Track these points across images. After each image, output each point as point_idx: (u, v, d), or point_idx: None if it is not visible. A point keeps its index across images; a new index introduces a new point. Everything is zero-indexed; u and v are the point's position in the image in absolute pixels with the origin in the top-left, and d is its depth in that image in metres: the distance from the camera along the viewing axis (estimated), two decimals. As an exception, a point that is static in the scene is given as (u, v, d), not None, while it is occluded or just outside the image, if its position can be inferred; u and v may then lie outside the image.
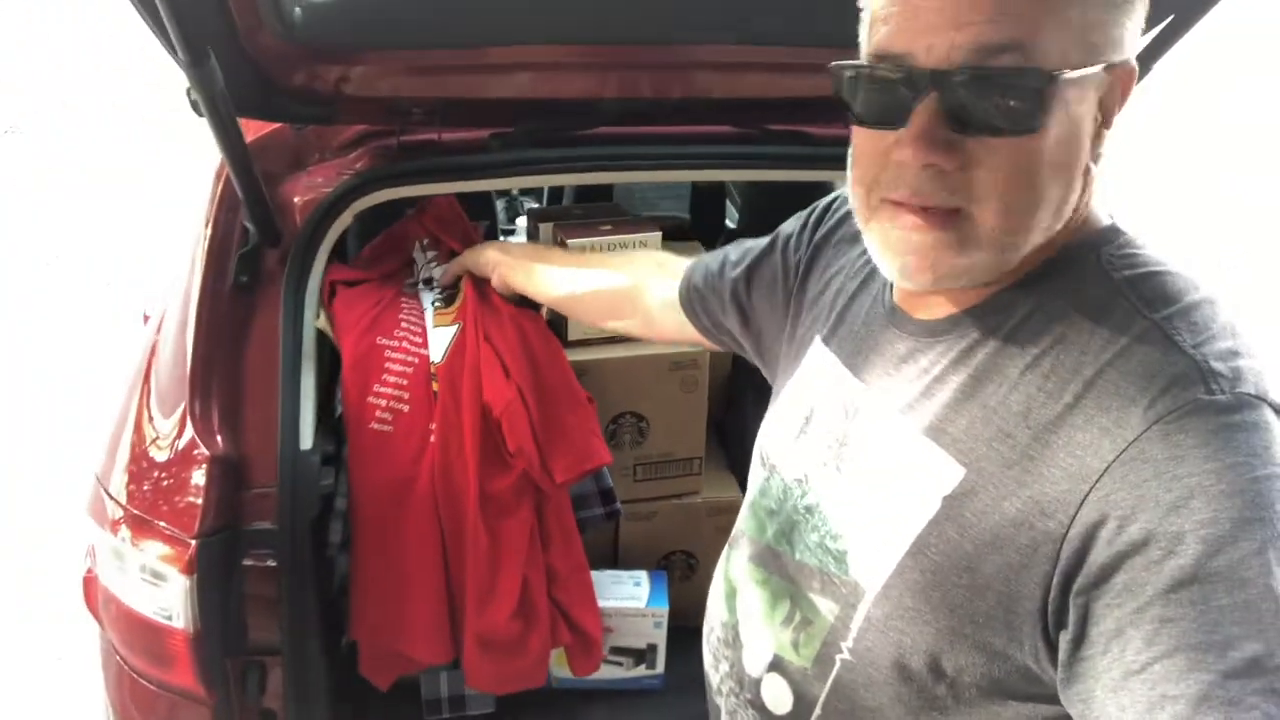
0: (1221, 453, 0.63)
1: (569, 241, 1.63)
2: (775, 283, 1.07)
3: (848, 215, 0.98)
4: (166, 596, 1.31)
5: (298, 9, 1.31)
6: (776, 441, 0.96)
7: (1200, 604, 0.61)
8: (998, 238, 0.71)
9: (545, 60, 1.54)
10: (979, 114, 0.67)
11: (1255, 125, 6.39)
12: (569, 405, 1.51)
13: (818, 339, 0.94)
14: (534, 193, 2.99)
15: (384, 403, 1.47)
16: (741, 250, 1.15)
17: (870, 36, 0.73)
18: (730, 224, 2.67)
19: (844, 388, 0.87)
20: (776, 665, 0.88)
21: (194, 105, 1.25)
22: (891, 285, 0.87)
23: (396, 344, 1.51)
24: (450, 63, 1.50)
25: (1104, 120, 0.72)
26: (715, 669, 1.00)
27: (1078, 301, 0.72)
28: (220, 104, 1.23)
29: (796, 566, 0.87)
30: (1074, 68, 0.67)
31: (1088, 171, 0.72)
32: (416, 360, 1.49)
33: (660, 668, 1.74)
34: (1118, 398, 0.67)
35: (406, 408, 1.47)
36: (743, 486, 1.22)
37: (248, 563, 1.37)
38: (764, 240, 1.12)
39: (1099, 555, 0.65)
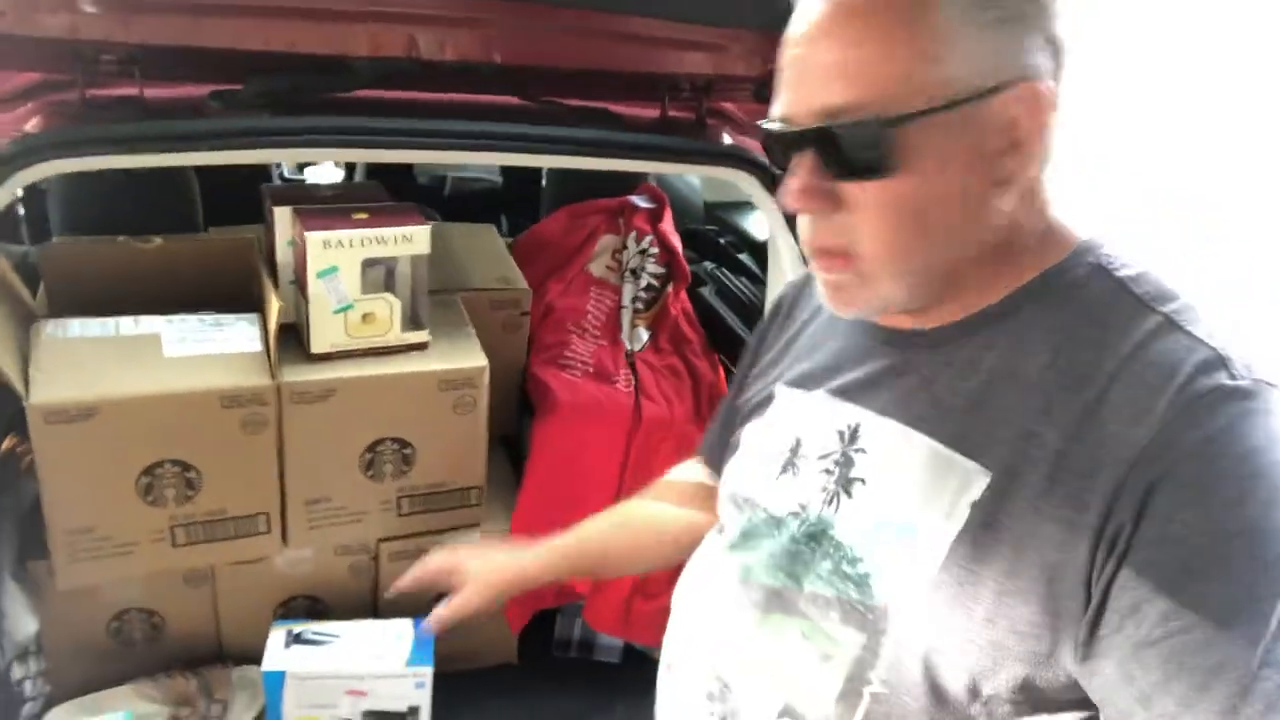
0: (1247, 437, 0.67)
1: (308, 235, 1.31)
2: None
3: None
4: None
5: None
6: (753, 482, 0.95)
7: (1221, 577, 0.65)
8: (890, 270, 0.77)
9: (279, 4, 1.23)
10: (841, 164, 0.74)
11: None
12: None
13: (780, 384, 0.97)
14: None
15: (577, 361, 1.84)
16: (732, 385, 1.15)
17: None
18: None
19: (835, 413, 0.88)
20: (788, 712, 0.85)
21: None
22: None
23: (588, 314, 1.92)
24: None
25: (1014, 145, 0.73)
26: None
27: (1085, 300, 0.75)
28: None
29: (808, 599, 0.85)
30: (918, 113, 0.71)
31: (1008, 188, 0.74)
32: (605, 342, 1.89)
33: (424, 731, 1.51)
34: (1144, 388, 0.69)
35: (591, 367, 1.83)
36: None
37: None
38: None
39: (1136, 538, 0.67)
